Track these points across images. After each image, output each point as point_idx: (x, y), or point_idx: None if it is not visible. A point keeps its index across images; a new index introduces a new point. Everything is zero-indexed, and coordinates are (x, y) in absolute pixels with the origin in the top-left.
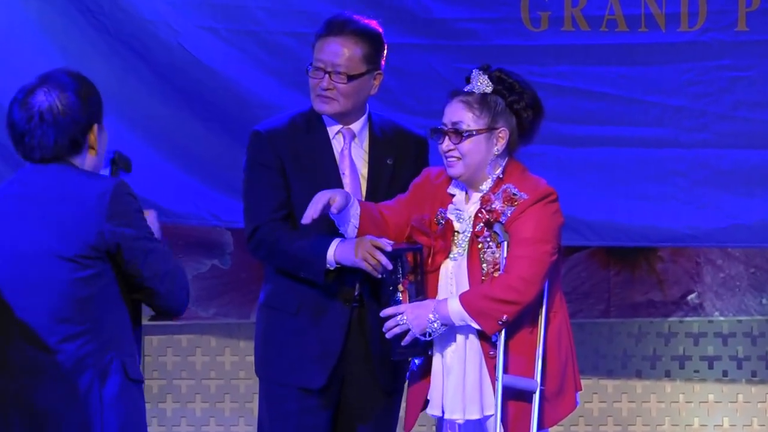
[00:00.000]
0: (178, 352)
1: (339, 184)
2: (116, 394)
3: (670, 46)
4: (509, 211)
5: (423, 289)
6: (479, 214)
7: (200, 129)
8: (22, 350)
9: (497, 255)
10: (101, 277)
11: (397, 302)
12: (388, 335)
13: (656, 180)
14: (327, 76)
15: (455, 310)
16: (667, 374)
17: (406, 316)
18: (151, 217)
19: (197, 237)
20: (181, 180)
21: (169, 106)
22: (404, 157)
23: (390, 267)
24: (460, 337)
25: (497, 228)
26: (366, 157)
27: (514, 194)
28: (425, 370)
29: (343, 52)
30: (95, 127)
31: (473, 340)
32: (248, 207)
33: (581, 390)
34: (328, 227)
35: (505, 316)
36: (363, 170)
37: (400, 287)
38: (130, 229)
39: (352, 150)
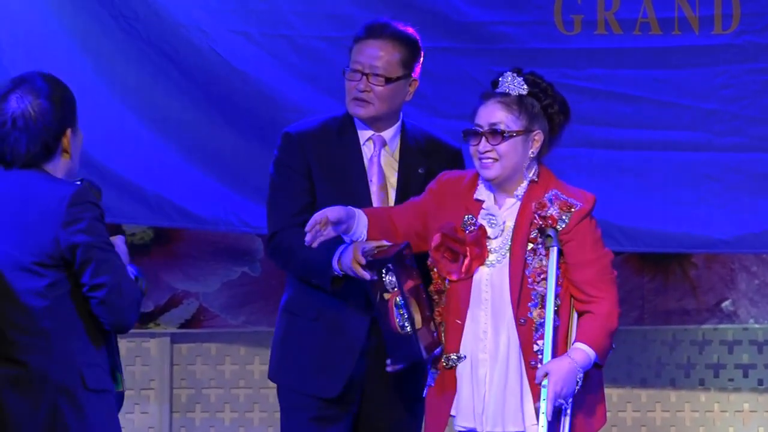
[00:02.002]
0: (207, 361)
1: (366, 191)
2: (76, 406)
3: (704, 49)
4: (565, 219)
5: (419, 294)
6: (534, 221)
7: (231, 134)
8: None
9: (544, 262)
10: (57, 286)
11: (384, 314)
12: (549, 418)
13: (690, 185)
14: (364, 78)
15: (588, 357)
16: (702, 383)
17: (554, 390)
18: (119, 242)
19: (227, 244)
20: (210, 185)
21: (200, 111)
22: (437, 168)
23: (368, 277)
24: (501, 350)
25: (552, 233)
26: (396, 165)
27: (567, 200)
28: (448, 383)
29: (381, 54)
30: (68, 131)
31: (514, 351)
32: (270, 210)
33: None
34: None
35: (614, 345)
36: (392, 178)
37: (387, 295)
38: (84, 235)
39: (381, 157)
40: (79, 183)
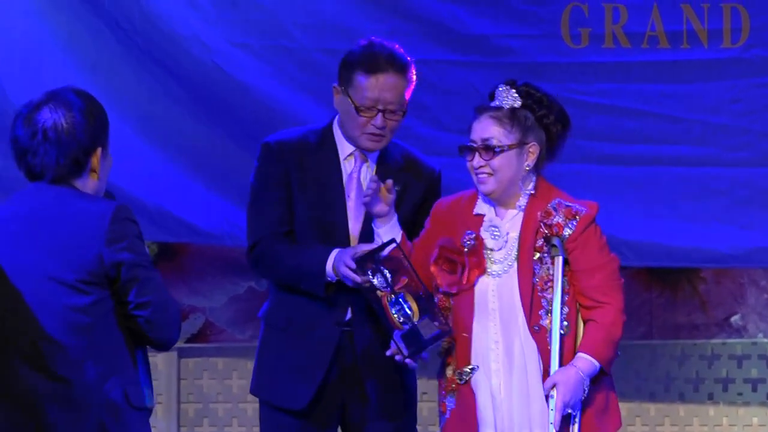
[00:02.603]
0: (215, 375)
1: (342, 207)
2: (120, 423)
3: (713, 63)
4: (571, 226)
5: (415, 289)
6: (540, 229)
7: (232, 147)
8: (26, 379)
9: (551, 271)
10: (101, 304)
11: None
12: (556, 427)
13: (698, 199)
14: (380, 114)
15: (593, 365)
16: (711, 397)
17: (563, 400)
18: None
19: (232, 258)
20: (214, 200)
21: (200, 123)
22: (413, 188)
23: (360, 281)
24: (517, 358)
25: (557, 242)
26: None
27: (571, 207)
28: (468, 403)
29: (395, 89)
30: (99, 150)
31: (532, 358)
32: (251, 220)
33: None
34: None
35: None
36: None
37: (379, 292)
38: (128, 253)
39: (361, 173)
40: (115, 200)
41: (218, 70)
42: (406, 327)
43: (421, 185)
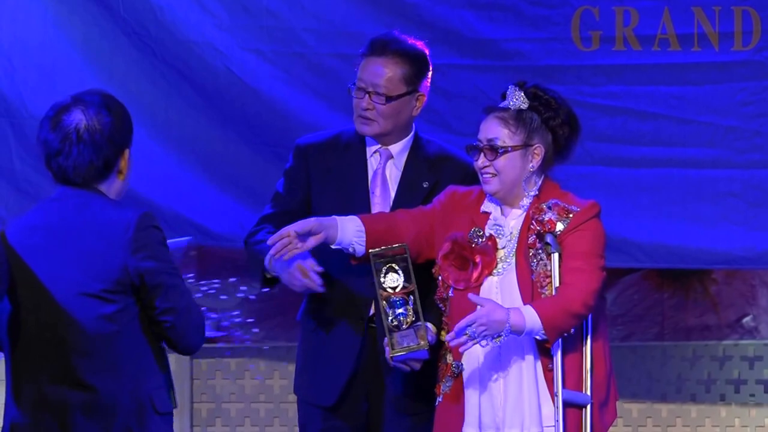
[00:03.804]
0: (227, 376)
1: (367, 203)
2: (146, 429)
3: (724, 66)
4: (564, 223)
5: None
6: (531, 226)
7: (246, 151)
8: (54, 387)
9: (548, 267)
10: (126, 312)
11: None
12: (461, 350)
13: (710, 201)
14: (367, 96)
15: (531, 320)
16: (722, 398)
17: (479, 327)
18: None
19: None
20: (227, 202)
21: (214, 128)
22: (445, 183)
23: (320, 289)
24: (513, 352)
25: (549, 239)
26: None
27: (566, 207)
28: (457, 394)
29: (383, 72)
30: (127, 151)
31: (529, 354)
32: (262, 215)
33: (618, 399)
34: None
35: (572, 330)
36: (394, 191)
37: (383, 293)
38: (153, 262)
39: (386, 170)
40: (140, 208)
41: (231, 75)
42: (403, 328)
43: (456, 180)
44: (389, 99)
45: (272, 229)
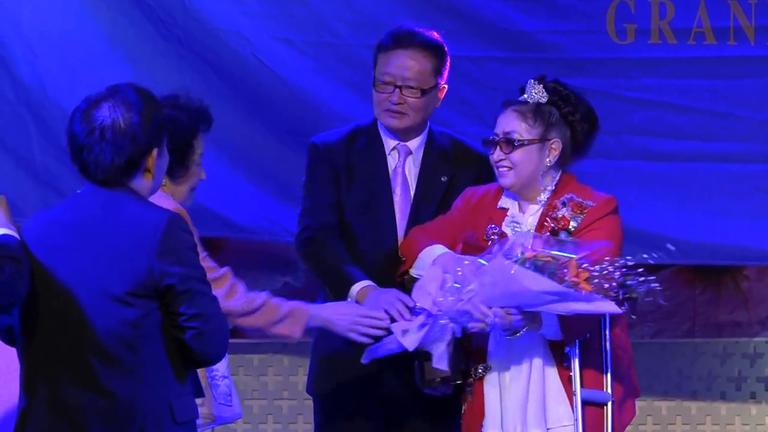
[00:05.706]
0: (250, 372)
1: (390, 202)
2: None
3: (759, 59)
4: (578, 220)
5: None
6: (545, 223)
7: (273, 142)
8: (72, 392)
9: None
10: (148, 317)
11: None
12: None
13: (743, 197)
14: (397, 90)
15: (548, 318)
16: (753, 396)
17: (492, 318)
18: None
19: (269, 253)
20: (252, 194)
21: (241, 118)
22: (463, 174)
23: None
24: (522, 351)
25: (563, 236)
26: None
27: (581, 202)
28: (478, 397)
29: (413, 65)
30: (155, 151)
31: (539, 353)
32: (304, 209)
33: (639, 396)
34: (386, 262)
35: (588, 334)
36: (414, 189)
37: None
38: (180, 267)
39: (406, 167)
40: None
41: (260, 64)
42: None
43: (472, 170)
44: (423, 93)
45: (338, 242)
